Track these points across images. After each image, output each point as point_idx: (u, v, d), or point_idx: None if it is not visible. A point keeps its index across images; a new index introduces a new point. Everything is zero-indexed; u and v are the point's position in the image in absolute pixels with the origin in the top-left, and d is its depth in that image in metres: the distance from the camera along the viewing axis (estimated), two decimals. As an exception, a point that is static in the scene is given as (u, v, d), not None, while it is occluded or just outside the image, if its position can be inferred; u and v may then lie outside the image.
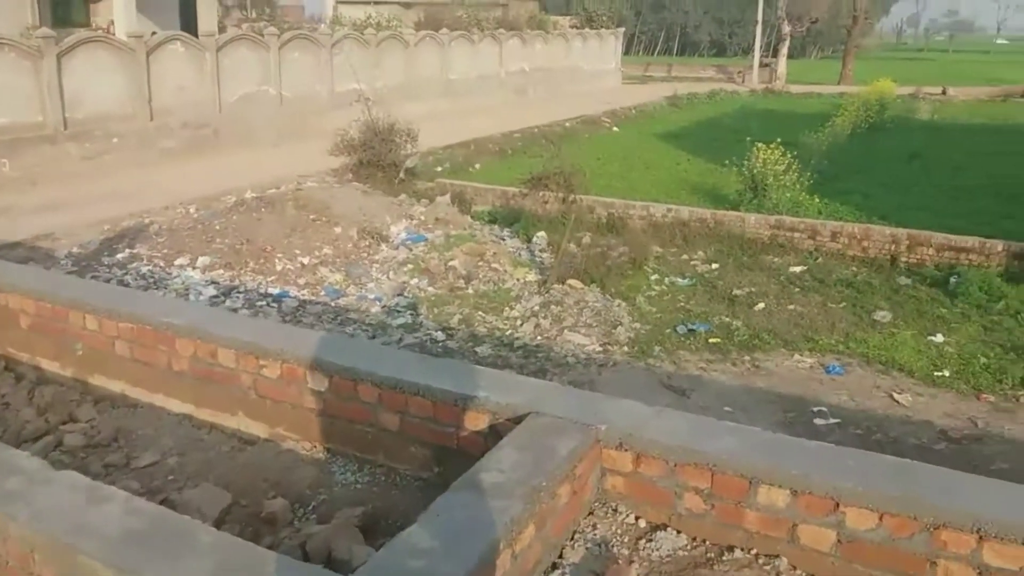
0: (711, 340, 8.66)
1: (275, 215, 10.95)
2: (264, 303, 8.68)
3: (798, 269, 10.71)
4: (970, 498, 2.34)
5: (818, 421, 7.04)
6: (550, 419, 2.82)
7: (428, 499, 2.58)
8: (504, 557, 2.20)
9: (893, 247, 10.82)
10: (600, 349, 8.54)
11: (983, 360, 7.92)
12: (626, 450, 2.74)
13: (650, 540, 2.66)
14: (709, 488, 2.63)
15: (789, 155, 12.61)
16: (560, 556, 2.56)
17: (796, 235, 11.40)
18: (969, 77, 40.48)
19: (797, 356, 8.32)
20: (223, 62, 16.67)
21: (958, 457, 6.49)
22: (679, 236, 11.89)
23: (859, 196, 13.46)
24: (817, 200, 12.69)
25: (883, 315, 9.12)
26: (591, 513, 2.77)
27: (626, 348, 8.56)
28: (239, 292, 8.98)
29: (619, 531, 2.70)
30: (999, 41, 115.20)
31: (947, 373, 7.75)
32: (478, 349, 8.43)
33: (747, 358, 8.28)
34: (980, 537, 2.26)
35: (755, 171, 12.56)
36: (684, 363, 8.22)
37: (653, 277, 10.62)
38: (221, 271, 9.57)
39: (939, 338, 8.49)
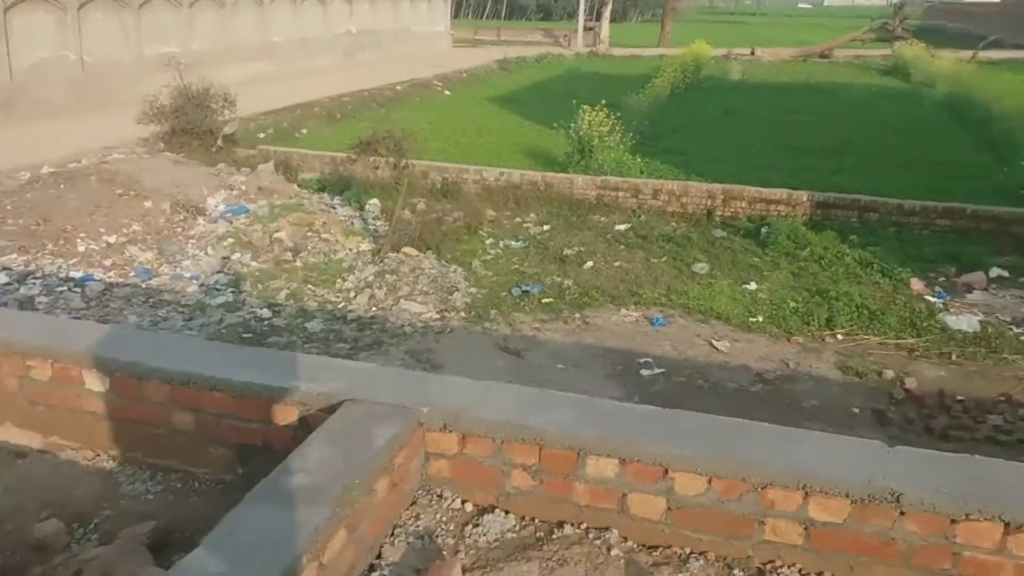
0: (544, 300, 8.63)
1: (76, 191, 9.84)
2: (65, 288, 7.77)
3: (623, 227, 10.89)
4: (795, 455, 2.29)
5: (645, 372, 7.16)
6: (367, 405, 2.53)
7: (232, 504, 2.24)
8: (309, 571, 1.91)
9: (709, 202, 11.21)
10: (437, 316, 8.30)
11: (792, 304, 8.32)
12: (451, 431, 2.50)
13: (477, 525, 2.45)
14: (537, 463, 2.45)
15: (613, 117, 12.77)
16: (379, 556, 2.29)
17: (620, 194, 11.59)
18: (774, 39, 42.92)
19: (624, 310, 8.44)
20: (12, 24, 14.82)
21: (773, 397, 6.79)
22: (512, 199, 11.79)
23: (678, 154, 13.88)
24: (639, 160, 12.95)
25: (701, 267, 9.43)
26: (414, 503, 2.52)
27: (463, 314, 8.38)
28: (36, 278, 7.99)
29: (444, 519, 2.47)
30: (801, 5, 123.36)
31: (760, 318, 8.09)
32: (308, 325, 7.96)
33: (578, 315, 8.31)
34: (806, 493, 2.21)
35: (581, 133, 12.64)
36: (519, 325, 8.15)
37: (488, 241, 10.47)
38: (14, 255, 8.49)
39: (752, 286, 8.86)
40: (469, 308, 8.48)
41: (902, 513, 2.12)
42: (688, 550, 2.34)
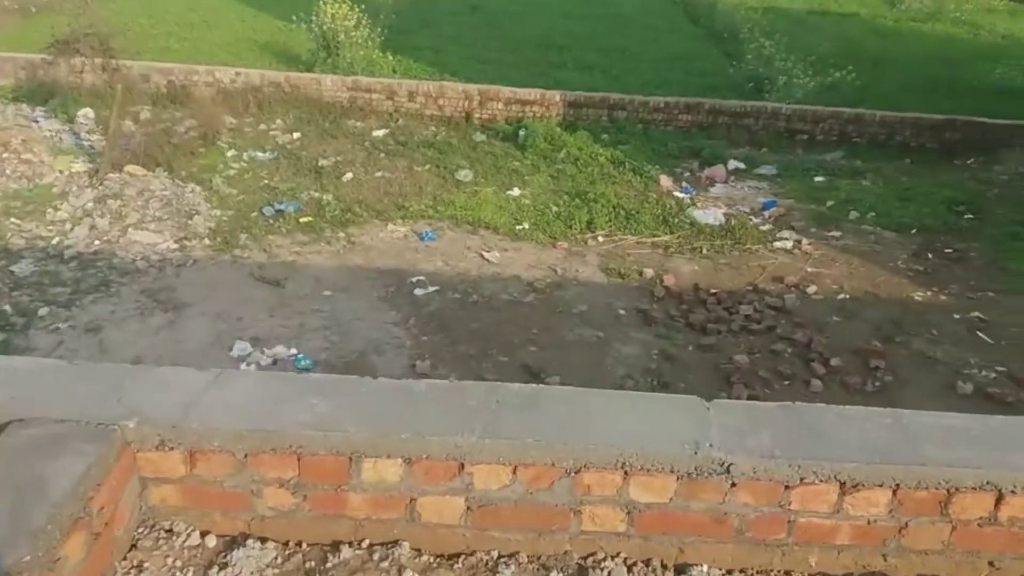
0: (302, 219, 7.79)
1: None
2: None
3: (381, 133, 10.11)
4: (607, 425, 1.88)
5: (418, 291, 6.71)
6: (43, 427, 1.77)
7: None
8: None
9: (467, 104, 10.69)
10: (176, 246, 7.21)
11: (555, 209, 8.17)
12: (172, 449, 1.82)
13: (225, 564, 1.83)
14: (297, 477, 1.85)
15: (358, 9, 11.64)
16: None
17: (374, 96, 10.71)
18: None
19: (391, 226, 7.85)
20: None
21: (544, 305, 6.63)
22: (253, 103, 10.47)
23: (430, 52, 13.08)
24: (391, 58, 12.05)
25: (465, 174, 8.99)
26: (134, 547, 1.84)
27: (207, 241, 7.35)
28: None
29: (179, 563, 1.82)
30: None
31: (527, 225, 7.87)
32: (15, 268, 6.57)
33: (341, 235, 7.60)
34: (625, 473, 1.82)
35: (325, 28, 11.41)
36: (276, 249, 7.29)
37: (230, 153, 9.26)
38: None
39: (516, 192, 8.59)
40: (214, 234, 7.45)
41: (733, 484, 1.81)
42: (496, 554, 1.91)
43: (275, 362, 5.67)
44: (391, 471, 1.85)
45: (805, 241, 7.66)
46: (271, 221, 7.74)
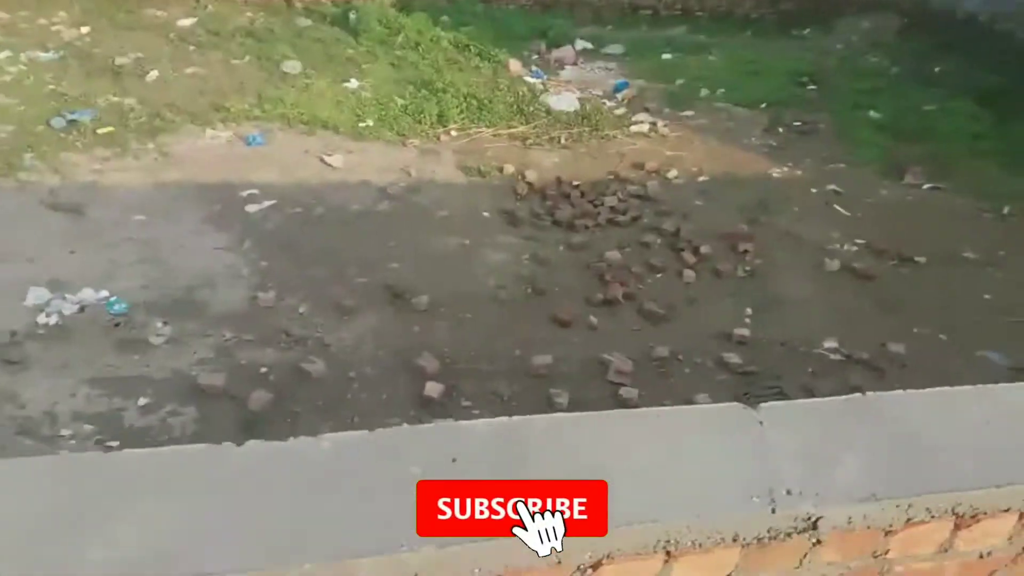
0: (101, 131, 6.31)
1: None
2: None
3: (188, 22, 8.40)
4: (631, 479, 1.15)
5: (251, 207, 5.60)
6: None
7: None
8: None
9: (285, -16, 9.09)
10: (-59, 172, 5.60)
11: (400, 102, 7.12)
12: None
13: None
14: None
15: None
16: None
17: (176, -21, 8.85)
18: None
19: (211, 131, 6.53)
20: None
21: (401, 214, 5.74)
22: (26, -8, 8.39)
23: (234, -73, 11.06)
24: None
25: (292, 65, 7.65)
26: None
27: (-18, 163, 5.76)
28: None
29: None
30: None
31: (371, 123, 6.81)
32: None
33: (151, 146, 6.23)
34: (668, 554, 1.12)
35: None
36: (72, 169, 5.85)
37: (3, 55, 7.37)
38: None
39: (354, 84, 7.42)
40: (-10, 154, 5.86)
41: (818, 542, 1.16)
42: None
43: (83, 309, 4.48)
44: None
45: (661, 123, 7.13)
46: (63, 135, 6.22)
